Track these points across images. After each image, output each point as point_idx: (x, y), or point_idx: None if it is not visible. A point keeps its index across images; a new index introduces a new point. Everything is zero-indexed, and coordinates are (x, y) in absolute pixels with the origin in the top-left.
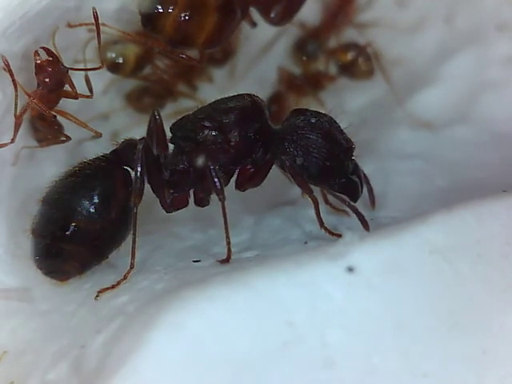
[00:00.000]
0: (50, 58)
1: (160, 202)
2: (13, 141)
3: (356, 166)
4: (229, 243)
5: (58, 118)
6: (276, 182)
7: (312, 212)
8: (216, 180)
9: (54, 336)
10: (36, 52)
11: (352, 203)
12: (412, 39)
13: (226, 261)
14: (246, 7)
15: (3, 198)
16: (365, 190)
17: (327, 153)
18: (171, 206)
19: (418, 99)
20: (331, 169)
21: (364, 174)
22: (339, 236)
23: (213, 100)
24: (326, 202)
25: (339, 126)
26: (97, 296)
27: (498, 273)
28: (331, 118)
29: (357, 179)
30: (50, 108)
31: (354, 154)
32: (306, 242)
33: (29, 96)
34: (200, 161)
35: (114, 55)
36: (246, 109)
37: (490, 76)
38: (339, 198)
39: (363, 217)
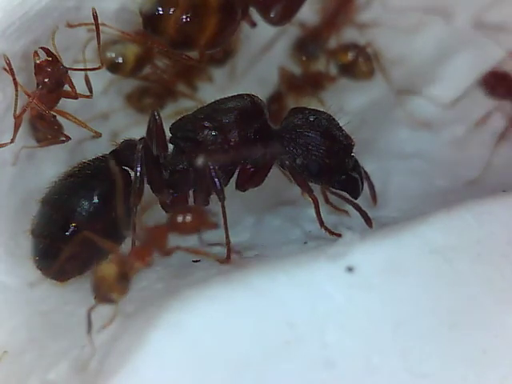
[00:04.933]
0: (50, 59)
1: (160, 202)
2: (12, 141)
3: (356, 162)
4: (229, 243)
5: (58, 117)
6: (276, 181)
7: (312, 212)
8: (216, 180)
9: (54, 336)
10: (35, 52)
11: (353, 200)
12: (412, 39)
13: (226, 261)
14: (245, 7)
15: (3, 198)
16: (365, 187)
17: (327, 150)
18: (171, 206)
19: (418, 99)
20: (331, 166)
21: (364, 171)
22: (339, 236)
23: (213, 100)
24: (327, 201)
25: (338, 124)
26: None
27: (498, 273)
28: (330, 116)
29: (357, 176)
30: (49, 108)
31: (353, 150)
32: (305, 242)
33: (28, 96)
34: (200, 161)
35: (113, 55)
36: (246, 109)
37: None
38: (340, 196)
39: (366, 213)
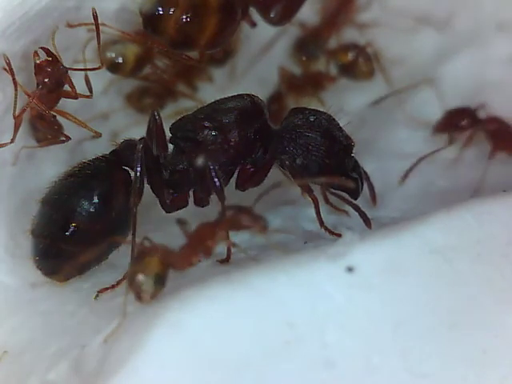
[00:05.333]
0: (50, 59)
1: (160, 202)
2: (12, 141)
3: (356, 163)
4: (229, 243)
5: (58, 117)
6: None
7: (312, 212)
8: (216, 180)
9: (54, 336)
10: (35, 52)
11: (353, 201)
12: (412, 39)
13: (226, 261)
14: (245, 7)
15: (3, 198)
16: (365, 188)
17: (326, 151)
18: (171, 206)
19: (418, 99)
20: (331, 166)
21: (364, 171)
22: (339, 236)
23: (213, 100)
24: (327, 201)
25: (338, 124)
26: (97, 296)
27: (498, 273)
28: (330, 116)
29: (357, 176)
30: (49, 108)
31: (353, 151)
32: (305, 242)
33: (28, 96)
34: (200, 161)
35: (113, 55)
36: (246, 109)
37: (490, 76)
38: (340, 197)
39: (365, 214)
